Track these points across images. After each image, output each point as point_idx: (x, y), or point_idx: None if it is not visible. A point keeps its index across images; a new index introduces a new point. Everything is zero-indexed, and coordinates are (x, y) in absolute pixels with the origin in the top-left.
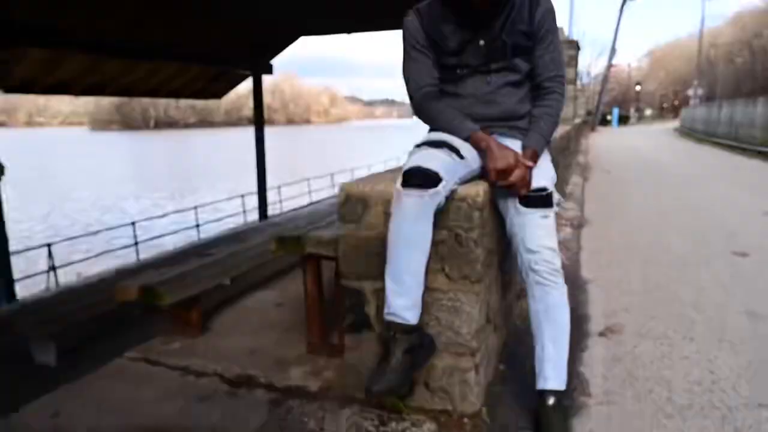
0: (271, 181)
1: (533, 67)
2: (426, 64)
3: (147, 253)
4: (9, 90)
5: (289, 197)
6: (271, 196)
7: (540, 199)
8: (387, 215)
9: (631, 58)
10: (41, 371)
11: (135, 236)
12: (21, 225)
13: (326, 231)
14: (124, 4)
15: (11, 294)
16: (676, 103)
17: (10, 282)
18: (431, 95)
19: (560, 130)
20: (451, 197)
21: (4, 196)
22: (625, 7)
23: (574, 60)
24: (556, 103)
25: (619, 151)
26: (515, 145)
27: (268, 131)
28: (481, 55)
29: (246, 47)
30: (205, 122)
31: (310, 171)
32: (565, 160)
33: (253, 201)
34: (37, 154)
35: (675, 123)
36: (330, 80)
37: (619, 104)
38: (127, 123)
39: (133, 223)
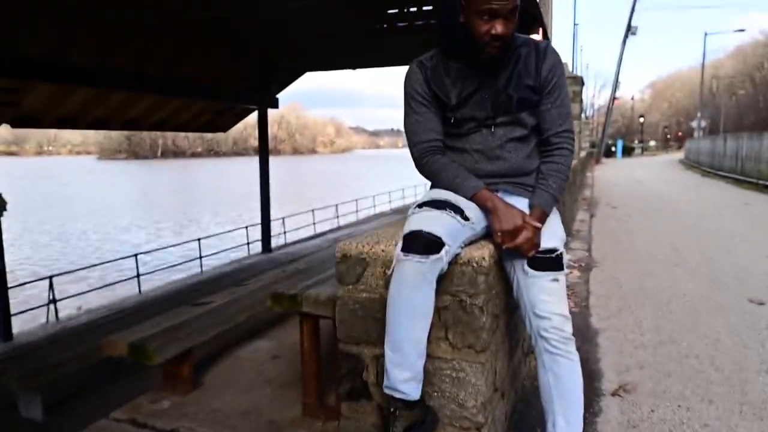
0: (277, 210)
1: (540, 122)
2: (428, 118)
3: (149, 285)
4: (16, 125)
5: (294, 227)
6: (276, 226)
7: (549, 262)
8: (388, 277)
9: (633, 90)
10: (29, 426)
11: (137, 268)
12: (29, 263)
13: (324, 288)
14: (131, 39)
15: (8, 332)
16: (680, 134)
17: (7, 320)
18: (433, 150)
19: None
20: (454, 261)
21: (5, 227)
22: (627, 41)
23: (578, 96)
24: (564, 159)
25: (625, 185)
26: (522, 203)
27: (275, 161)
28: (486, 109)
29: (252, 82)
30: (212, 152)
31: (315, 201)
32: (571, 195)
33: (257, 232)
34: (39, 182)
35: (679, 154)
36: (335, 111)
37: (623, 135)
38: (135, 152)
39: (135, 256)
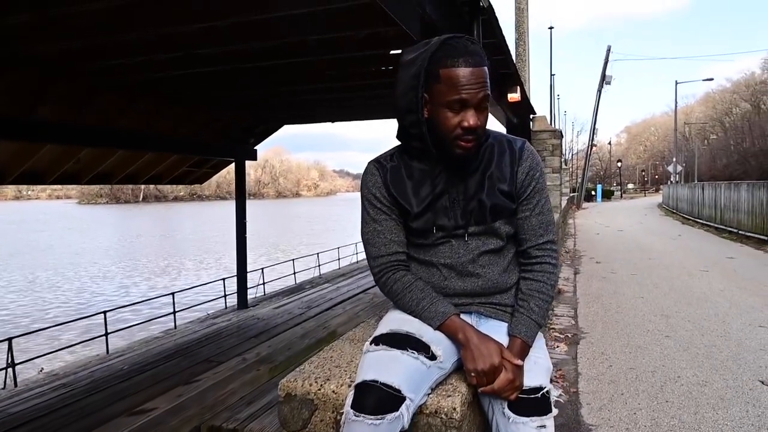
0: (258, 255)
1: (517, 231)
2: (388, 227)
3: (117, 344)
4: None
5: (274, 277)
6: (255, 276)
7: (534, 404)
8: (339, 423)
9: (609, 134)
10: None
11: (105, 326)
12: None
13: (271, 418)
14: (102, 94)
15: None
16: (657, 176)
17: None
18: (394, 266)
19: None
20: (419, 410)
21: None
22: (602, 90)
23: (557, 149)
24: (548, 277)
25: (607, 234)
26: (500, 328)
27: (259, 204)
28: (455, 217)
29: (229, 135)
30: (195, 195)
31: (298, 246)
32: None
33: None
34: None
35: (657, 197)
36: (320, 155)
37: (602, 179)
38: (116, 196)
39: (104, 312)
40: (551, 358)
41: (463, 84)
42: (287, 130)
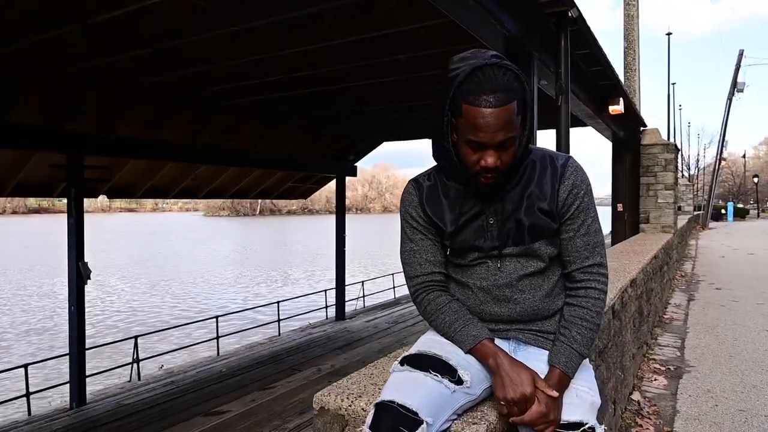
0: (362, 267)
1: (561, 252)
2: (424, 247)
3: (231, 346)
4: (111, 195)
5: (374, 290)
6: (356, 288)
7: None
8: None
9: (745, 146)
10: None
11: (217, 330)
12: (124, 319)
13: None
14: (216, 118)
15: (82, 397)
16: None
17: (82, 382)
18: (430, 286)
19: (659, 240)
20: None
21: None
22: (733, 98)
23: (671, 164)
24: (593, 303)
25: (734, 258)
26: (541, 357)
27: (365, 218)
28: (491, 237)
29: (330, 153)
30: (307, 209)
31: (398, 261)
32: (662, 279)
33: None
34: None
35: None
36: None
37: (735, 196)
38: (236, 210)
39: (216, 317)
40: (645, 391)
41: (481, 126)
42: (395, 147)
